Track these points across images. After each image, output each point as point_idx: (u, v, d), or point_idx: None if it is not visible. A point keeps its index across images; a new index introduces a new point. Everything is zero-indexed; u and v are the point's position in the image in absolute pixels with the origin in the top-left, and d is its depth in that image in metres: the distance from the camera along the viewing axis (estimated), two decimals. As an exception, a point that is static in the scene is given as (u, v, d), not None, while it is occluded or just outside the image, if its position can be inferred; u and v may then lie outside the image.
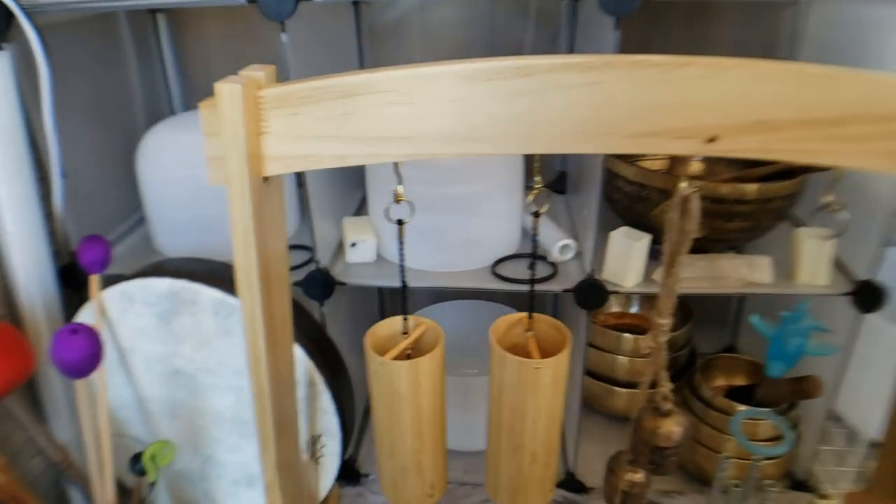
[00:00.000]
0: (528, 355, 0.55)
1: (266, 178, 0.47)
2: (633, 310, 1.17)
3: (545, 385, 0.55)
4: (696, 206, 0.48)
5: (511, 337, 0.60)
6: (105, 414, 0.73)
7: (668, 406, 0.58)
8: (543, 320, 0.58)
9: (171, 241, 0.94)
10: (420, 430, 0.59)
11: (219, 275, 0.77)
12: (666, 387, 0.58)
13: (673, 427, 0.58)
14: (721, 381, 1.02)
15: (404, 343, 0.58)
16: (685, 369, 1.05)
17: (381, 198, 0.86)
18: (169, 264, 0.81)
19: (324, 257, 0.84)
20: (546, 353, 0.57)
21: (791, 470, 0.98)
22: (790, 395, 0.90)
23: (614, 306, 1.18)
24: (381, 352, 0.57)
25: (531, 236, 0.58)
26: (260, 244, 0.56)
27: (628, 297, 1.17)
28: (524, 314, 0.59)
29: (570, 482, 0.95)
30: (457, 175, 0.80)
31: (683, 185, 0.47)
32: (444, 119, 0.41)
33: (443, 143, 0.42)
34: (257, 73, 0.45)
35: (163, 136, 0.93)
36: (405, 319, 0.58)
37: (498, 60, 0.39)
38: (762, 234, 0.87)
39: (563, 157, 1.09)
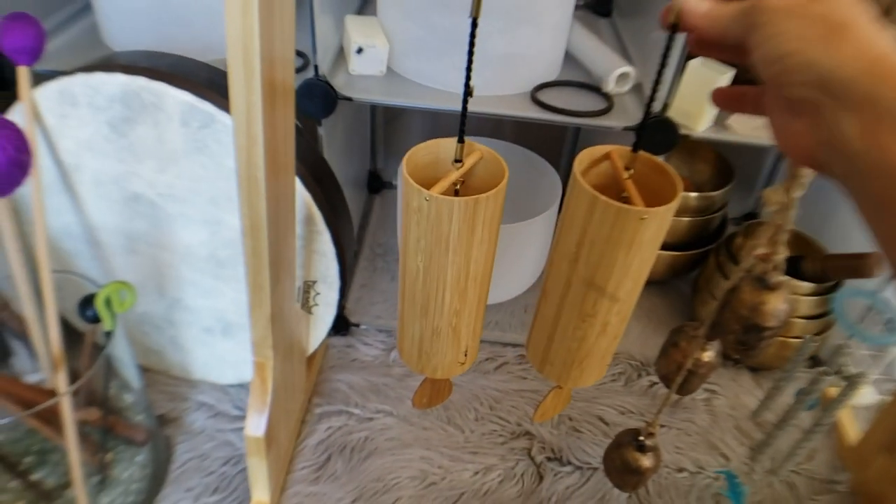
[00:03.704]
0: (622, 202, 0.41)
1: None
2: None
3: (644, 241, 0.42)
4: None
5: (592, 177, 0.46)
6: (43, 242, 0.58)
7: (777, 278, 0.47)
8: (641, 159, 0.44)
9: (124, 33, 0.74)
10: (465, 287, 0.46)
11: (189, 73, 0.59)
12: (781, 255, 0.46)
13: (780, 304, 0.46)
14: (761, 250, 0.91)
15: (456, 174, 0.43)
16: (717, 233, 0.94)
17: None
18: (122, 57, 0.62)
19: (322, 65, 0.67)
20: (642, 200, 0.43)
21: (817, 354, 0.90)
22: (842, 272, 0.80)
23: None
24: (420, 185, 0.42)
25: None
26: (265, 34, 0.39)
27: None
28: (617, 147, 0.44)
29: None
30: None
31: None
32: None
33: None
34: None
35: None
36: (461, 143, 0.42)
37: None
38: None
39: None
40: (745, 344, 0.49)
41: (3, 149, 0.45)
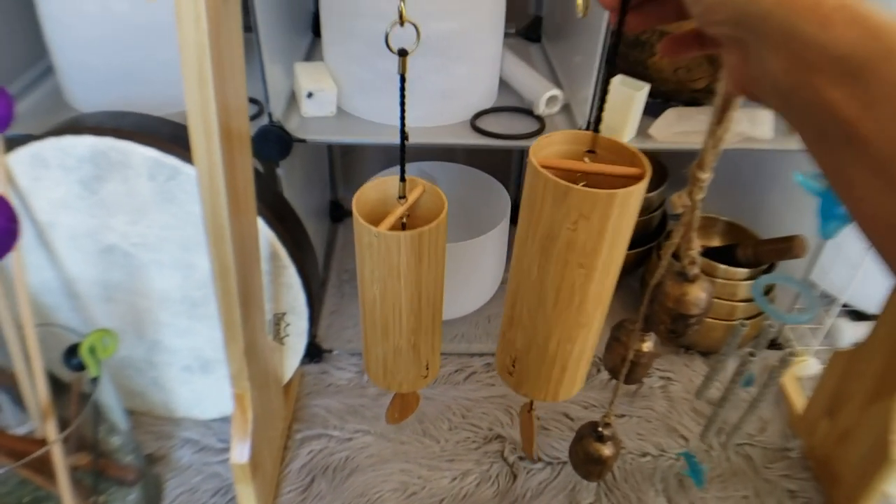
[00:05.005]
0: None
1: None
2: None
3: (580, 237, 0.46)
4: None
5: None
6: (25, 299, 0.62)
7: (694, 271, 0.52)
8: (606, 143, 0.48)
9: (87, 94, 0.78)
10: (419, 308, 0.51)
11: (153, 130, 0.64)
12: (694, 250, 0.52)
13: (700, 293, 0.52)
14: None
15: (401, 210, 0.49)
16: (656, 232, 1.01)
17: (341, 37, 0.73)
18: (88, 119, 0.67)
19: (275, 111, 0.72)
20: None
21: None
22: (773, 255, 0.87)
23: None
24: (370, 220, 0.47)
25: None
26: (219, 87, 0.44)
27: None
28: (580, 132, 0.48)
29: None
30: (433, 7, 0.67)
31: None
32: None
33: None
34: None
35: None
36: (403, 182, 0.48)
37: None
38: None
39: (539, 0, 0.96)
40: (676, 332, 0.55)
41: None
